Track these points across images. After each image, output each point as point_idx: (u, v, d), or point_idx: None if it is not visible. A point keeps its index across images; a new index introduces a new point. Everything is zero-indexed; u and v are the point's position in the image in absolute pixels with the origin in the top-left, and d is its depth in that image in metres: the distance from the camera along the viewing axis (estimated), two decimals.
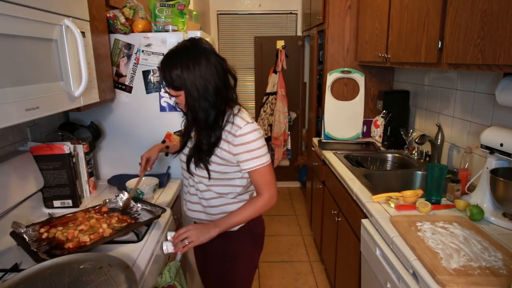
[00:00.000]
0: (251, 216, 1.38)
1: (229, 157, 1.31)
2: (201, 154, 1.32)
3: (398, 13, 1.99)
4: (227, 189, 1.38)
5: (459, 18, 1.40)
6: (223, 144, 1.30)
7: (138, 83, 1.98)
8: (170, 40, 1.93)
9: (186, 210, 1.51)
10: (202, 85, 1.22)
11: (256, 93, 4.40)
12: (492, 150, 1.45)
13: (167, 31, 1.95)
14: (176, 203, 1.98)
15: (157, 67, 1.30)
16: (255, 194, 1.44)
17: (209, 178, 1.34)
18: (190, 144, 1.41)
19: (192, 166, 1.36)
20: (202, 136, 1.31)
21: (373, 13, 2.37)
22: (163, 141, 1.72)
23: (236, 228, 1.41)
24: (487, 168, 1.47)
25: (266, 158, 1.32)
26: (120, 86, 1.98)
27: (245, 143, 1.28)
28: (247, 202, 1.39)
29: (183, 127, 1.47)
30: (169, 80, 1.24)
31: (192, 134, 1.41)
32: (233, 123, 1.29)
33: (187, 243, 1.33)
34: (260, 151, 1.30)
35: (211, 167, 1.32)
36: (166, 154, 1.71)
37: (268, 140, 4.29)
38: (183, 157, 1.43)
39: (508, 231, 1.36)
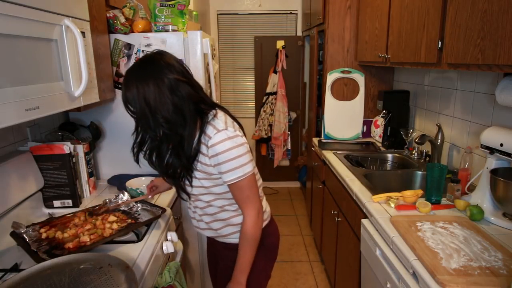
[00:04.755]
0: (254, 246, 1.29)
1: (210, 170, 1.22)
2: (181, 176, 1.25)
3: (398, 13, 1.98)
4: (225, 202, 1.31)
5: (459, 18, 1.40)
6: (201, 158, 1.21)
7: None
8: (170, 40, 1.93)
9: (195, 228, 1.47)
10: (155, 109, 1.11)
11: (256, 93, 4.40)
12: (492, 150, 1.45)
13: (167, 31, 1.95)
14: (176, 203, 1.98)
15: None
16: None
17: (189, 197, 1.32)
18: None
19: (188, 188, 1.30)
20: (173, 161, 1.22)
21: (373, 13, 2.37)
22: None
23: (227, 241, 1.37)
24: (487, 168, 1.47)
25: (243, 171, 1.19)
26: (120, 86, 1.98)
27: (217, 154, 1.17)
28: (240, 237, 1.30)
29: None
30: (125, 102, 1.15)
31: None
32: (205, 133, 1.19)
33: None
34: (234, 163, 1.17)
35: (200, 183, 1.27)
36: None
37: (268, 140, 4.29)
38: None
39: (508, 231, 1.36)
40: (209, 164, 1.21)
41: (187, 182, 1.29)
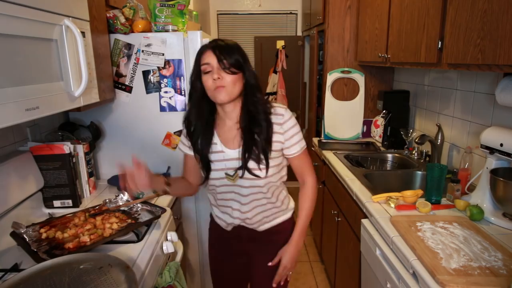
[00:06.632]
0: (312, 208, 1.46)
1: (279, 147, 1.34)
2: (261, 150, 1.29)
3: (398, 13, 1.99)
4: (282, 180, 1.44)
5: (459, 18, 1.40)
6: (276, 137, 1.33)
7: (138, 83, 1.98)
8: (170, 40, 1.93)
9: (241, 221, 1.40)
10: (253, 74, 1.31)
11: None
12: (492, 150, 1.45)
13: (167, 31, 1.95)
14: (176, 203, 1.98)
15: (212, 47, 1.26)
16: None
17: (266, 176, 1.31)
18: (228, 156, 1.33)
19: (260, 172, 1.30)
20: (258, 127, 1.29)
21: (373, 13, 2.37)
22: (167, 174, 1.60)
23: (280, 220, 1.46)
24: (487, 168, 1.47)
25: (304, 142, 1.39)
26: (120, 86, 1.98)
27: (290, 128, 1.33)
28: (303, 198, 1.46)
29: (198, 145, 1.35)
30: (231, 61, 1.24)
31: (216, 141, 1.34)
32: (275, 114, 1.32)
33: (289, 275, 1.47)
34: (301, 135, 1.37)
35: (272, 162, 1.33)
36: (154, 191, 1.60)
37: None
38: (225, 165, 1.34)
39: (508, 231, 1.36)
40: (282, 140, 1.33)
41: (262, 166, 1.30)
